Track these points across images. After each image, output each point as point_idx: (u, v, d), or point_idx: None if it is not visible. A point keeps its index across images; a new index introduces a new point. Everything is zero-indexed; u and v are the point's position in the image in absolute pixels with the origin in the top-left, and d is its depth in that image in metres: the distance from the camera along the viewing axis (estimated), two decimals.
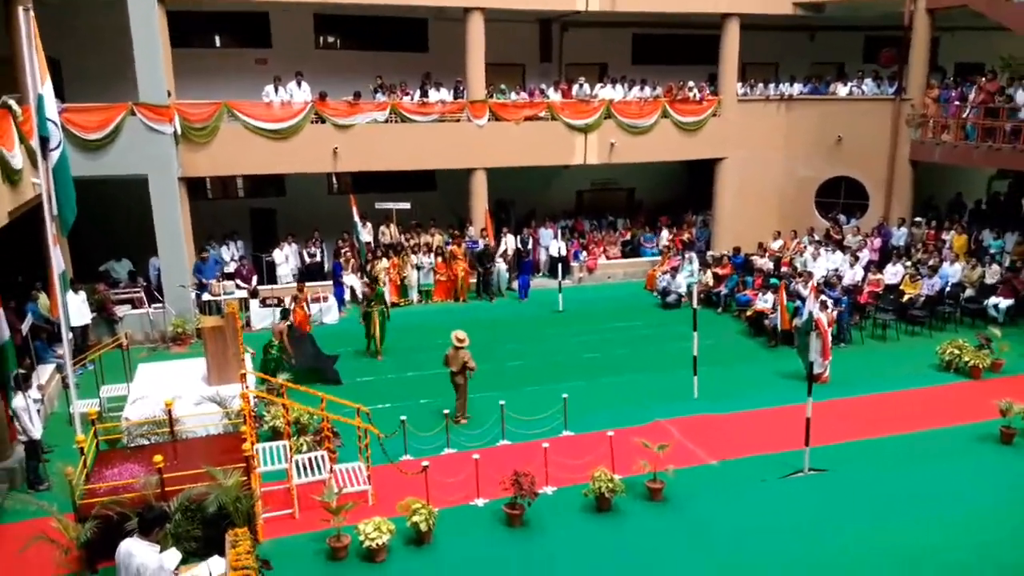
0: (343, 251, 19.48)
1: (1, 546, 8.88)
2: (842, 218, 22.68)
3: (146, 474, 8.40)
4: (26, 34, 9.81)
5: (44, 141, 10.70)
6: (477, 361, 12.27)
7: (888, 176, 21.99)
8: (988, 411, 11.60)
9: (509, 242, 20.71)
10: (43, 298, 14.27)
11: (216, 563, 7.38)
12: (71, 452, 9.33)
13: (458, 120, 19.78)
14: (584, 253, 21.86)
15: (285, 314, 14.14)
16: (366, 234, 19.44)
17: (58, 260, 11.47)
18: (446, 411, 11.41)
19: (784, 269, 19.10)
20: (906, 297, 17.17)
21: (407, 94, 19.85)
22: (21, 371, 10.84)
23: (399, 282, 18.96)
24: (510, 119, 20.15)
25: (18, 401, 10.09)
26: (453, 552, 8.81)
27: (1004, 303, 16.62)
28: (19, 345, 12.20)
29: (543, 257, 21.66)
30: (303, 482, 9.64)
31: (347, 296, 19.04)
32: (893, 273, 18.09)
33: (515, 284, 20.35)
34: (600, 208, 24.81)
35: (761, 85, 22.81)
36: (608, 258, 22.14)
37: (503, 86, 20.82)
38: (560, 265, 19.67)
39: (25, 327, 12.79)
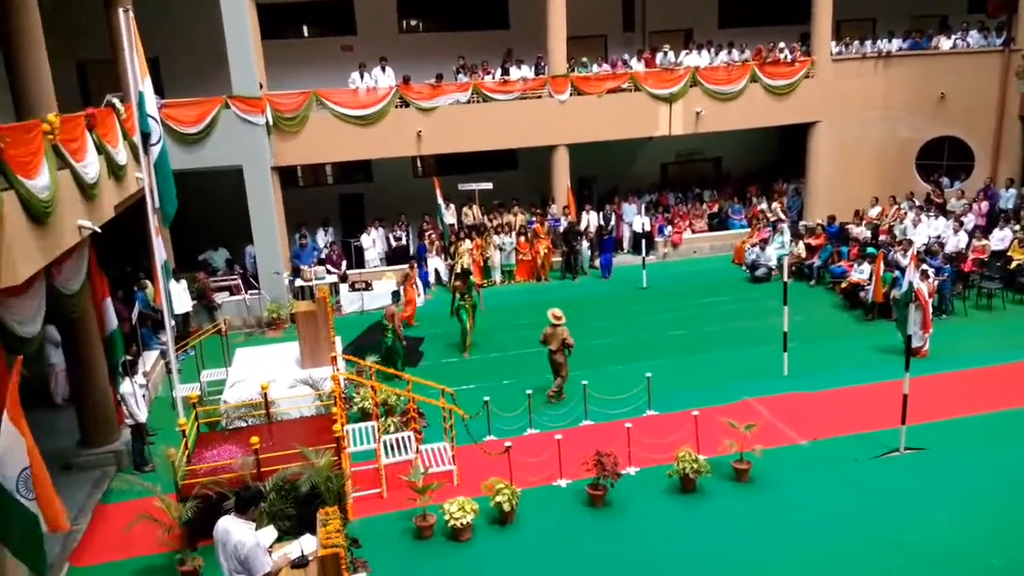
0: (427, 233, 19.77)
1: (109, 524, 9.49)
2: (945, 181, 21.46)
3: (243, 455, 8.84)
4: (126, 34, 10.22)
5: (145, 137, 11.15)
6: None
7: (996, 134, 20.66)
8: None
9: (591, 219, 20.51)
10: (150, 287, 15.06)
11: (308, 541, 7.67)
12: (174, 435, 9.85)
13: (539, 97, 19.67)
14: (669, 227, 21.47)
15: (396, 296, 14.18)
16: (449, 216, 19.65)
17: (160, 251, 12.03)
18: (529, 391, 11.48)
19: (882, 238, 18.27)
20: (1014, 264, 16.19)
21: (488, 73, 19.86)
22: (128, 358, 11.53)
23: (482, 263, 19.11)
24: (592, 92, 19.90)
25: (125, 386, 10.73)
26: (536, 532, 8.91)
27: None
28: (127, 333, 12.95)
29: (626, 233, 21.38)
30: (391, 462, 9.91)
31: (431, 278, 19.36)
32: (1000, 238, 17.06)
33: (597, 262, 20.21)
34: (686, 180, 24.24)
35: (857, 43, 21.70)
36: (694, 232, 21.68)
37: (584, 59, 20.54)
38: (644, 241, 19.37)
39: (134, 316, 13.54)
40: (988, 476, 9.44)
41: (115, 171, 12.55)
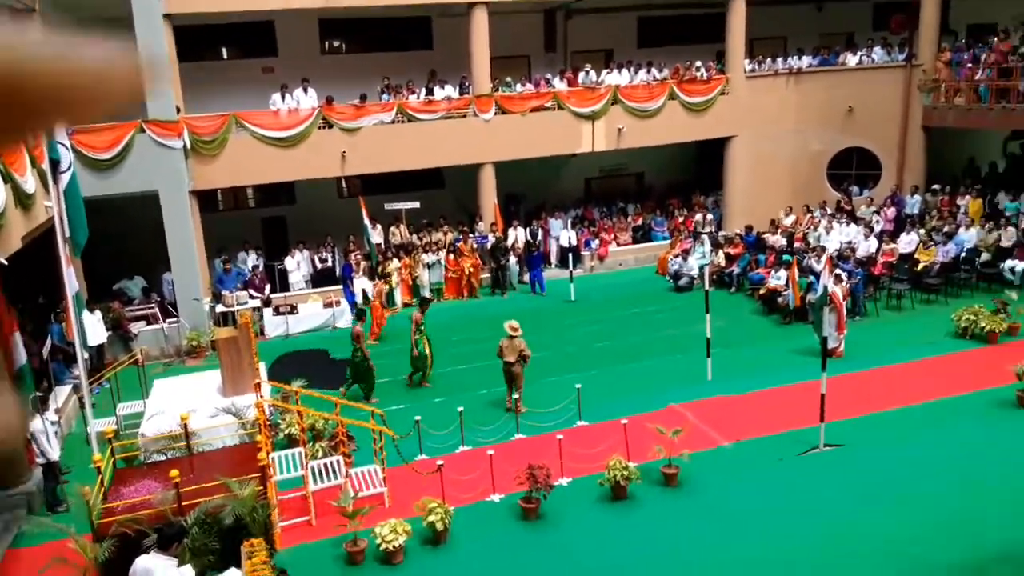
0: (352, 254, 19.51)
1: (20, 570, 8.99)
2: (854, 189, 22.33)
3: (163, 490, 8.47)
4: None
5: (54, 164, 10.78)
6: (487, 358, 12.24)
7: (900, 144, 21.63)
8: (1005, 376, 11.41)
9: (519, 235, 20.60)
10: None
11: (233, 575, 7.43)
12: (89, 472, 9.42)
13: (464, 116, 19.71)
14: (595, 241, 21.73)
15: (360, 315, 13.90)
16: (376, 236, 19.46)
17: (71, 281, 11.57)
18: (460, 408, 11.39)
19: (797, 245, 18.86)
20: (921, 265, 16.88)
21: (413, 93, 19.82)
22: (38, 394, 10.98)
23: (411, 282, 18.96)
24: (516, 111, 20.04)
25: (36, 424, 10.20)
26: (470, 550, 8.81)
27: (1020, 265, 16.31)
28: (37, 368, 12.36)
29: (554, 248, 21.55)
30: (319, 488, 9.67)
31: (359, 299, 19.09)
32: (907, 242, 17.79)
33: (526, 277, 20.28)
34: (610, 195, 24.61)
35: (769, 60, 22.46)
36: (619, 245, 21.98)
37: (508, 79, 20.71)
38: (571, 255, 19.54)
39: (45, 350, 12.96)
40: (903, 468, 9.76)
41: (22, 200, 12.06)
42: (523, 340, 12.23)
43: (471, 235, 20.00)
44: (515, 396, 12.13)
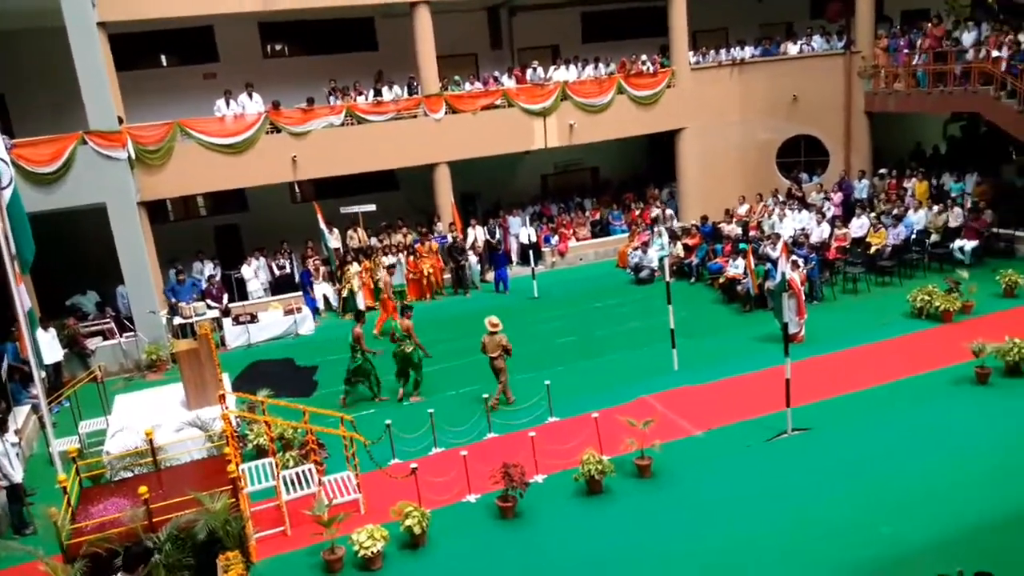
0: (310, 259, 19.31)
1: None
2: (804, 176, 22.85)
3: (132, 507, 8.30)
4: None
5: None
6: (454, 359, 12.25)
7: (845, 130, 22.19)
8: (962, 354, 11.76)
9: (477, 234, 20.61)
10: None
11: None
12: (54, 493, 9.13)
13: (415, 116, 19.67)
14: (554, 237, 21.85)
15: (359, 316, 13.76)
16: (334, 240, 19.28)
17: (23, 299, 11.24)
18: (431, 410, 11.37)
19: (752, 233, 19.23)
20: (873, 249, 17.34)
21: (361, 94, 19.70)
22: None
23: (372, 285, 18.84)
24: (466, 110, 20.06)
25: None
26: (448, 552, 8.80)
27: (969, 245, 16.85)
28: None
29: (514, 245, 21.59)
30: (292, 498, 9.57)
31: (320, 305, 18.94)
32: (859, 226, 18.26)
33: (489, 276, 20.29)
34: (566, 190, 24.78)
35: (713, 52, 22.86)
36: (578, 240, 22.14)
37: (456, 77, 20.74)
38: (532, 252, 19.63)
39: (2, 371, 12.58)
40: (870, 449, 10.01)
41: None
42: (504, 335, 12.33)
43: (431, 236, 19.94)
44: (499, 391, 12.35)
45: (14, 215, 10.87)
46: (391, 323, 15.11)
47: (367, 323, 13.37)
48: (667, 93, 21.86)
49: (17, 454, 10.35)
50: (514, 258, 21.57)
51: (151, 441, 9.68)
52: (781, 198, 21.03)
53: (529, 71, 21.32)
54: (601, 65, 21.88)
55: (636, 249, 20.22)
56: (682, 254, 19.44)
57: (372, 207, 19.75)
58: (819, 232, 18.26)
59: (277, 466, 9.90)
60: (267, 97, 18.67)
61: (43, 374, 10.47)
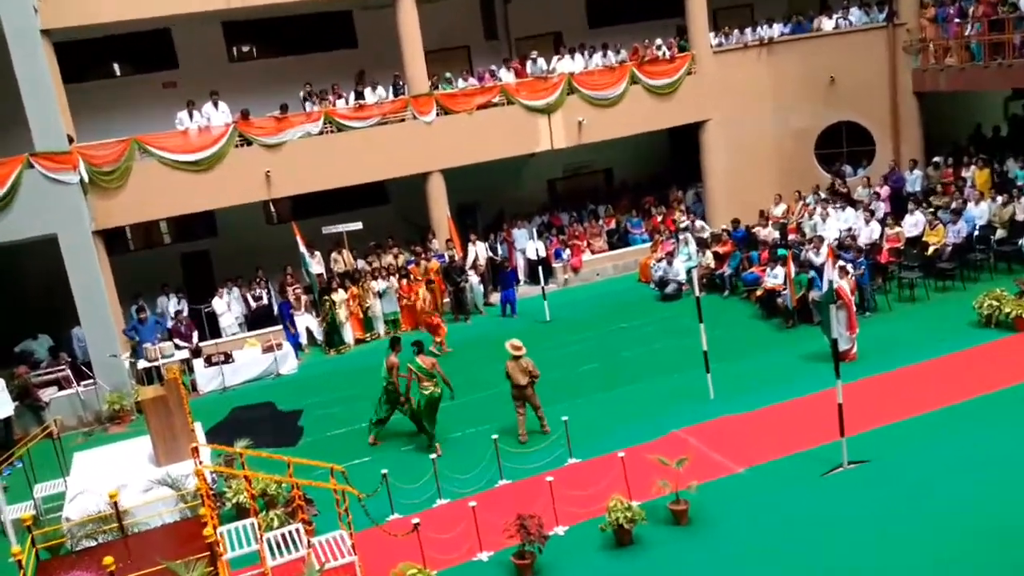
0: (291, 288, 19.33)
1: None
2: (847, 169, 22.84)
3: None
4: None
5: None
6: (459, 394, 12.24)
7: (892, 114, 22.23)
8: None
9: (479, 250, 20.60)
10: None
11: None
12: (8, 568, 9.16)
13: (403, 120, 19.78)
14: (566, 251, 21.86)
15: (394, 343, 13.66)
16: (316, 264, 19.35)
17: None
18: (434, 456, 11.35)
19: (792, 237, 19.20)
20: (931, 249, 17.29)
21: (341, 97, 19.81)
22: None
23: (362, 314, 18.86)
24: (461, 110, 20.17)
25: None
26: None
27: None
28: None
29: (520, 262, 21.61)
30: (278, 563, 9.51)
31: (303, 339, 18.96)
32: (913, 224, 18.22)
33: (493, 298, 20.29)
34: (577, 196, 24.80)
35: (737, 32, 22.94)
36: (593, 252, 22.15)
37: (448, 74, 20.82)
38: (541, 269, 19.63)
39: None
40: (940, 480, 9.93)
41: None
42: (530, 359, 12.45)
43: (432, 254, 19.88)
44: (541, 423, 12.67)
45: None
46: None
47: (403, 351, 13.26)
48: (687, 81, 21.92)
49: None
50: (521, 276, 21.58)
51: (116, 504, 9.72)
52: (823, 195, 21.03)
53: (529, 63, 21.42)
54: (611, 53, 21.97)
55: (660, 260, 20.23)
56: (712, 264, 19.42)
57: (358, 225, 19.79)
58: (868, 233, 18.23)
59: (260, 527, 9.86)
60: (235, 106, 18.79)
61: None
